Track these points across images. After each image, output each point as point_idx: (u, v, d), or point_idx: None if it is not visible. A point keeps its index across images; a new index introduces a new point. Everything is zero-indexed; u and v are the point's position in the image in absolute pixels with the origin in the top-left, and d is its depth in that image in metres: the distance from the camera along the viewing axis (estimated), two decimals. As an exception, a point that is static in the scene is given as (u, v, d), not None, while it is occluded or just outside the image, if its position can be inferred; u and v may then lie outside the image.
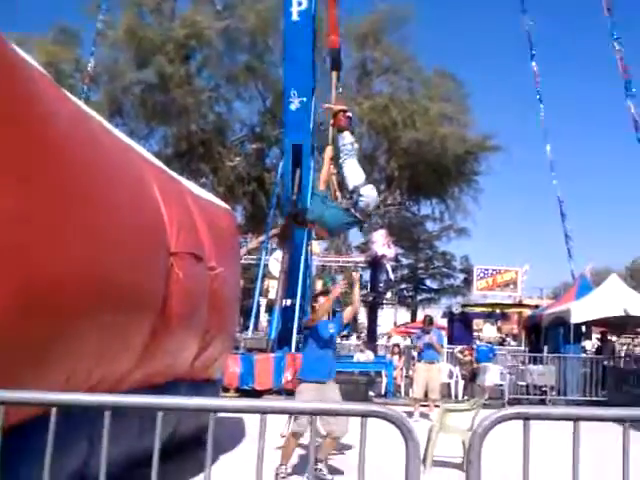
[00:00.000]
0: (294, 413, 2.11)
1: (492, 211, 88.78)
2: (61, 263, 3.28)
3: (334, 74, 8.21)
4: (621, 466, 1.85)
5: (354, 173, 6.05)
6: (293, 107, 14.66)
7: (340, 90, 7.99)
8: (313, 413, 1.95)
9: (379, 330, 26.27)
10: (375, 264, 21.39)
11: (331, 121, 6.66)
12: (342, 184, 6.17)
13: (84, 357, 3.76)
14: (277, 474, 5.66)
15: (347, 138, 6.19)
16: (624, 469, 1.84)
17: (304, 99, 14.65)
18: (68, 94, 4.05)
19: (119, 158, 4.48)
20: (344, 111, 6.47)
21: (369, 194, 6.01)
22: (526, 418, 1.85)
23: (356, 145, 6.32)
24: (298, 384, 6.12)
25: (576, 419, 1.87)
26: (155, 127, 24.84)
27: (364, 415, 1.88)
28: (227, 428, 7.04)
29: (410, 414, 10.50)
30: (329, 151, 6.57)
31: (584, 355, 15.83)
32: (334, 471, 6.11)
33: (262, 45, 23.53)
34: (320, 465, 5.84)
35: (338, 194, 6.26)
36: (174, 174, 6.27)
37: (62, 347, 3.46)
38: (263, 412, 1.94)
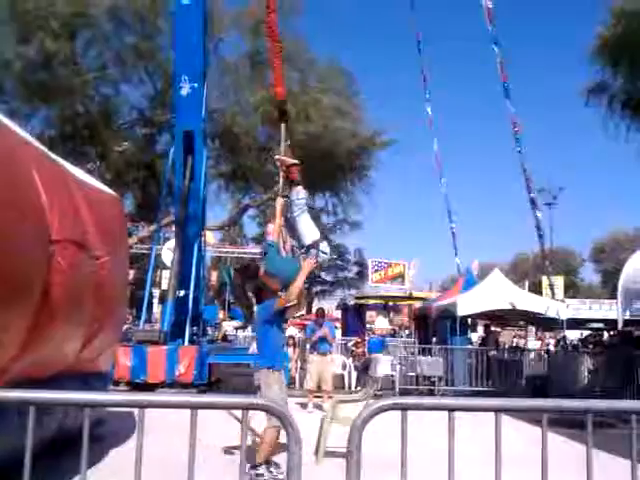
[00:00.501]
0: (173, 407, 2.04)
1: (385, 205, 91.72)
2: None
3: (283, 126, 8.16)
4: (496, 453, 1.98)
5: (311, 229, 6.27)
6: (184, 92, 14.29)
7: (288, 142, 7.97)
8: (193, 407, 1.89)
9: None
10: (271, 256, 21.38)
11: (281, 173, 6.81)
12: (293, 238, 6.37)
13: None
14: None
15: (301, 193, 6.38)
16: (496, 455, 1.98)
17: (195, 85, 14.32)
18: None
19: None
20: (296, 165, 6.61)
21: (326, 250, 6.23)
22: (403, 409, 1.93)
23: (308, 200, 6.57)
24: (270, 372, 5.51)
25: (450, 409, 1.98)
26: (37, 107, 23.29)
27: (246, 408, 1.88)
28: (120, 421, 6.80)
29: (304, 405, 10.67)
30: (281, 202, 6.68)
31: (470, 347, 16.42)
32: (219, 466, 5.79)
33: (151, 27, 22.63)
34: (261, 469, 5.26)
35: (287, 247, 6.40)
36: (57, 158, 5.95)
37: None
38: (140, 406, 1.91)
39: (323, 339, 11.04)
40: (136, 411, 1.92)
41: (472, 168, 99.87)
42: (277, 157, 7.12)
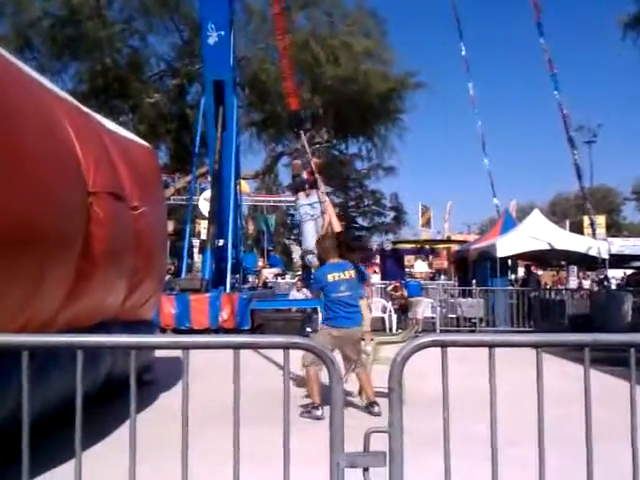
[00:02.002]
0: (215, 347, 2.07)
1: (419, 148, 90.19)
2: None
3: (302, 135, 8.57)
4: (538, 389, 1.96)
5: (312, 239, 7.31)
6: (211, 41, 14.05)
7: (309, 153, 8.65)
8: (235, 347, 1.92)
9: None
10: (305, 203, 21.34)
11: (317, 175, 7.81)
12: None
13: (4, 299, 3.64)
14: (306, 412, 5.53)
15: (322, 197, 7.62)
16: (538, 391, 1.95)
17: (222, 33, 14.05)
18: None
19: (24, 94, 4.21)
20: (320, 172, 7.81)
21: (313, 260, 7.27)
22: (443, 345, 1.91)
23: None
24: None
25: (490, 345, 1.94)
26: (67, 62, 23.34)
27: (287, 347, 1.91)
28: (167, 368, 7.03)
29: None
30: (327, 200, 7.73)
31: (511, 287, 16.31)
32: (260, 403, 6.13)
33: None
34: (376, 408, 5.61)
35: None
36: (89, 111, 5.97)
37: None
38: (184, 347, 1.94)
39: None
40: (181, 355, 1.96)
41: (508, 105, 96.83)
42: (314, 161, 8.08)
